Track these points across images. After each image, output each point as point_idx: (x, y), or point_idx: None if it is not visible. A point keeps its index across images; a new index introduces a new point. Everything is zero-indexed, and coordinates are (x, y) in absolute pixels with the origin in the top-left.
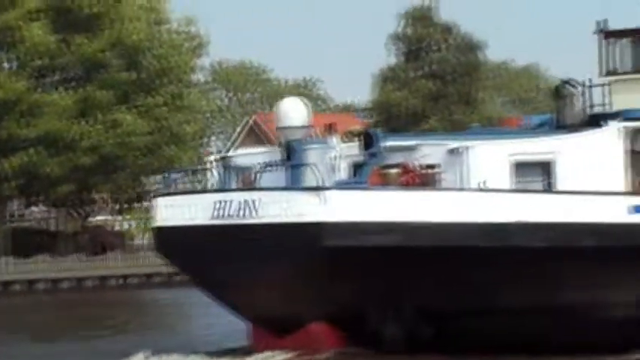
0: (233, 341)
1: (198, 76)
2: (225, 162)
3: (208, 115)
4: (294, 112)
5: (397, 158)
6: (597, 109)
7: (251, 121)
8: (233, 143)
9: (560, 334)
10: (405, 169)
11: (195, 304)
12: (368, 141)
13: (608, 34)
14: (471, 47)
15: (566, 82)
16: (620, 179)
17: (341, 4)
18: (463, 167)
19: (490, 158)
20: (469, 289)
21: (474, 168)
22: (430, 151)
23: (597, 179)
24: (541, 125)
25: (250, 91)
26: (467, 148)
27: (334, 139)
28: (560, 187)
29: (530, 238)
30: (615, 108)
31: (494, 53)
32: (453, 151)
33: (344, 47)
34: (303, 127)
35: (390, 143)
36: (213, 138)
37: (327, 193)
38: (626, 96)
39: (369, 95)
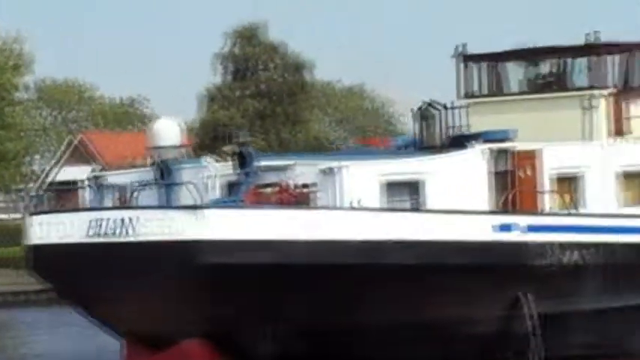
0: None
1: (23, 94)
2: (98, 180)
3: (32, 133)
4: (167, 132)
5: (271, 178)
6: (458, 131)
7: (76, 140)
8: (57, 162)
9: (427, 350)
10: (281, 188)
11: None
12: (242, 160)
13: (467, 58)
14: (297, 67)
15: (428, 104)
16: (484, 199)
17: (168, 23)
18: (336, 186)
19: (362, 178)
20: (341, 306)
21: (347, 187)
22: (304, 170)
23: (463, 199)
24: (406, 146)
25: (76, 110)
26: (340, 168)
27: (208, 159)
28: (428, 206)
29: (401, 255)
30: (474, 130)
31: (321, 73)
32: (326, 171)
33: (171, 66)
34: (175, 146)
35: (264, 163)
36: (37, 156)
37: (205, 211)
38: (484, 118)
39: (196, 114)
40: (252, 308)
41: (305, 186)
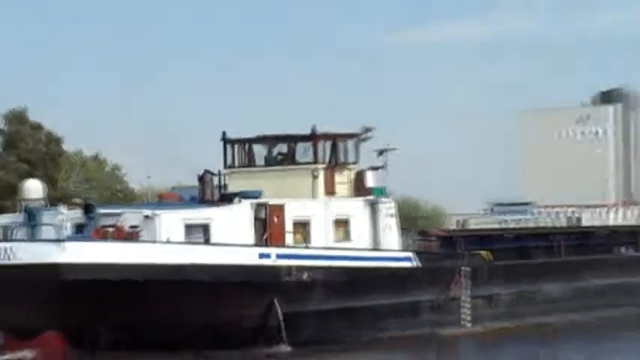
0: None
1: None
2: None
3: None
4: (33, 189)
5: (109, 221)
6: (225, 190)
7: None
8: None
9: (216, 339)
10: (117, 227)
11: None
12: (88, 209)
13: (228, 141)
14: (51, 140)
15: (207, 171)
16: (250, 236)
17: None
18: (155, 227)
19: (170, 221)
20: (158, 308)
21: (161, 228)
22: (132, 216)
23: (237, 236)
24: (192, 199)
25: None
26: (156, 214)
27: (62, 207)
28: (214, 240)
29: (197, 274)
30: (231, 190)
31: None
32: (148, 216)
33: None
34: (39, 199)
35: (103, 210)
36: None
37: (65, 243)
38: (239, 182)
39: None
40: (95, 312)
41: (134, 227)
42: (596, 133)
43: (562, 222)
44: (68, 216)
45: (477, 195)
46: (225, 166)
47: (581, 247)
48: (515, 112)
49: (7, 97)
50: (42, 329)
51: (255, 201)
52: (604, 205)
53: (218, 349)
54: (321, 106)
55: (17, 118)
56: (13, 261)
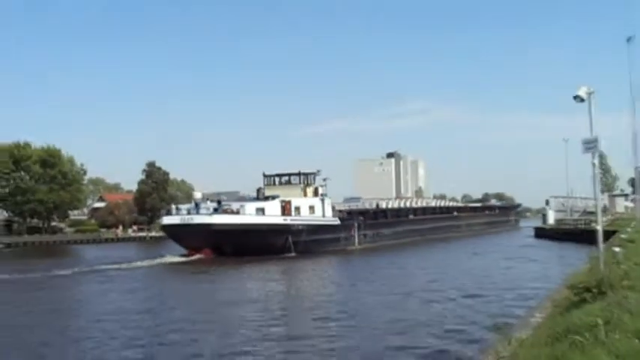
0: None
1: None
2: None
3: None
4: (196, 195)
5: (226, 207)
6: (264, 194)
7: None
8: None
9: None
10: (231, 209)
11: None
12: (219, 202)
13: (264, 175)
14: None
15: (260, 187)
16: (279, 212)
17: None
18: (245, 209)
19: (250, 207)
20: (245, 240)
21: (246, 209)
22: (235, 204)
23: (275, 212)
24: (254, 198)
25: None
26: (244, 204)
27: (208, 202)
28: (267, 214)
29: (261, 227)
30: (267, 194)
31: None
32: (242, 205)
33: None
34: (198, 199)
35: (224, 203)
36: None
37: (214, 215)
38: (269, 190)
39: None
40: (224, 240)
41: (237, 209)
42: (386, 171)
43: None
44: (211, 205)
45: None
46: (264, 184)
47: (400, 214)
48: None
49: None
50: (203, 247)
51: (280, 199)
52: (402, 198)
53: (268, 255)
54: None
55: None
56: (194, 222)
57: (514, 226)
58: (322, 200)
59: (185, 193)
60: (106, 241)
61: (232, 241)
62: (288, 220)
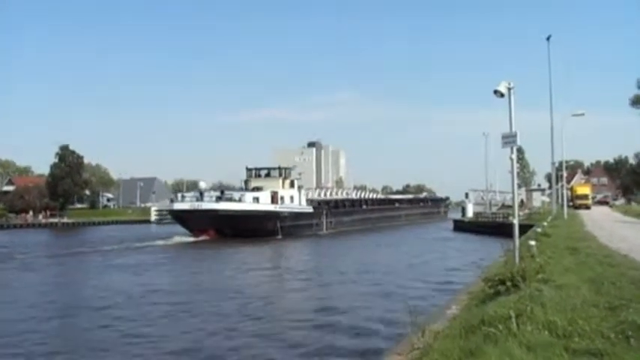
0: None
1: None
2: None
3: None
4: (202, 184)
5: (227, 195)
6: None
7: None
8: None
9: None
10: (233, 198)
11: None
12: (222, 192)
13: (247, 168)
14: None
15: (247, 179)
16: (269, 200)
17: None
18: (246, 197)
19: (249, 196)
20: (243, 224)
21: (245, 198)
22: (236, 194)
23: (266, 201)
24: (241, 188)
25: None
26: (244, 194)
27: (211, 191)
28: (261, 202)
29: (255, 212)
30: (253, 185)
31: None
32: (242, 194)
33: None
34: (203, 188)
35: (226, 192)
36: None
37: (219, 202)
38: (253, 182)
39: None
40: (225, 223)
41: (239, 197)
42: (307, 161)
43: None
44: (214, 194)
45: None
46: (247, 176)
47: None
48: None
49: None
50: (208, 229)
51: (270, 190)
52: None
53: (260, 237)
54: None
55: None
56: (202, 207)
57: (443, 218)
58: (299, 191)
59: (100, 178)
60: (15, 226)
61: (233, 225)
62: (277, 208)
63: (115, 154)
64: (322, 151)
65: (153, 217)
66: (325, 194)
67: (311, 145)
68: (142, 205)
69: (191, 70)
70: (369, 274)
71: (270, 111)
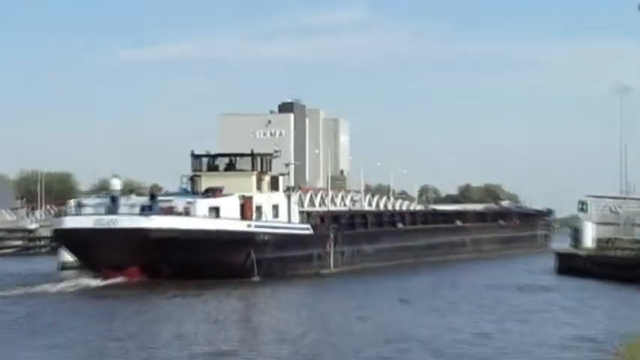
0: None
1: None
2: None
3: None
4: (114, 184)
5: (163, 204)
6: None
7: None
8: None
9: None
10: (171, 208)
11: None
12: (152, 196)
13: (194, 155)
14: None
15: (194, 175)
16: (238, 212)
17: None
18: (196, 208)
19: (203, 206)
20: (192, 256)
21: (197, 208)
22: (179, 201)
23: (232, 213)
24: (184, 190)
25: None
26: (193, 201)
27: (133, 195)
28: (222, 215)
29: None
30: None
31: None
32: (189, 202)
33: None
34: (117, 190)
35: (160, 197)
36: None
37: (152, 216)
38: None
39: None
40: (164, 254)
41: (186, 207)
42: (278, 136)
43: None
44: (137, 200)
45: None
46: (193, 169)
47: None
48: (216, 116)
49: None
50: (129, 264)
51: (238, 194)
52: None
53: (222, 279)
54: None
55: None
56: (119, 226)
57: (542, 245)
58: (288, 197)
59: None
60: None
61: (175, 257)
62: (252, 227)
63: None
64: (307, 121)
65: None
66: (323, 202)
67: (286, 108)
68: None
69: None
70: None
71: (196, 43)
